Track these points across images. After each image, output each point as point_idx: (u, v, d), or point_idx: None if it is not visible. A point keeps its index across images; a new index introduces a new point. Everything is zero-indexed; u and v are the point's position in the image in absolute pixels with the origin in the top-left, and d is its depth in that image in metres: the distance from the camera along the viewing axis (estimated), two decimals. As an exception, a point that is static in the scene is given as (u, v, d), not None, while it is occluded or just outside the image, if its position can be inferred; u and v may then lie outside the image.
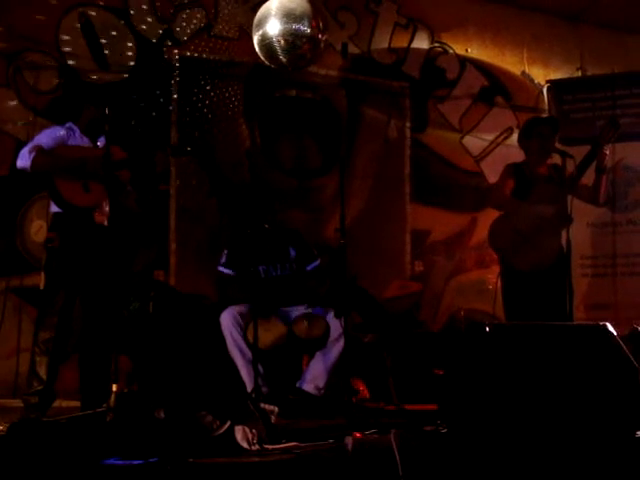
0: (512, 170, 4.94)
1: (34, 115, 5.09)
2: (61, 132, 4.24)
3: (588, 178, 4.78)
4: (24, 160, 4.06)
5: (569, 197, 4.55)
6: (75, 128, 4.29)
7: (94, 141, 4.30)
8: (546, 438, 2.88)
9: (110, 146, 3.89)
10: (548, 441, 2.87)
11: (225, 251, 4.73)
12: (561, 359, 3.10)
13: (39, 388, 4.07)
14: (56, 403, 4.20)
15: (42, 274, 4.41)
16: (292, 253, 4.81)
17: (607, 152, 4.71)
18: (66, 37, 5.26)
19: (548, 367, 3.06)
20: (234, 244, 4.74)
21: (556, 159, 4.84)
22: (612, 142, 4.72)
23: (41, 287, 4.45)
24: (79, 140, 4.26)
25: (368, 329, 4.96)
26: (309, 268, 4.81)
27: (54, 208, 4.17)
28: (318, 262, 4.84)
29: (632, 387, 3.05)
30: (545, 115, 6.51)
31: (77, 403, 4.25)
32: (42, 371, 4.08)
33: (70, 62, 5.25)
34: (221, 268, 4.71)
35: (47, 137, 4.20)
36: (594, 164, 4.71)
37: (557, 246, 4.76)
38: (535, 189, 4.84)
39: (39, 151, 4.06)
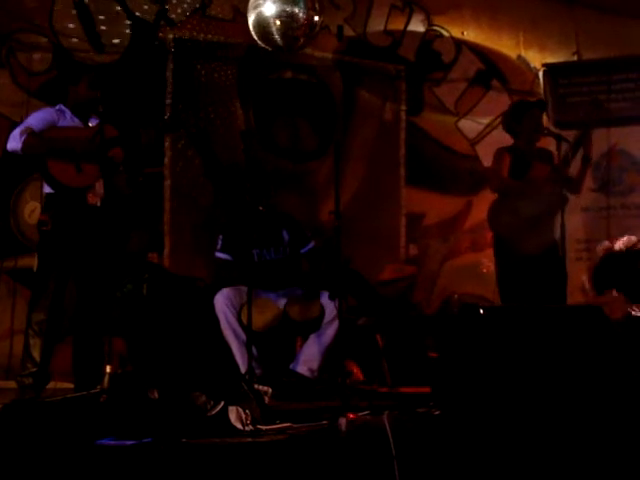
0: (506, 152, 4.95)
1: (27, 96, 5.07)
2: (52, 113, 4.22)
3: (573, 167, 4.84)
4: (15, 142, 4.04)
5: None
6: (65, 109, 4.26)
7: (85, 122, 4.27)
8: (538, 420, 2.90)
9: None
10: (540, 423, 2.89)
11: (220, 236, 4.72)
12: (555, 341, 3.11)
13: (33, 370, 4.07)
14: (50, 385, 4.20)
15: (36, 256, 4.40)
16: (286, 237, 4.80)
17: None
18: (60, 18, 5.22)
19: (541, 349, 3.08)
20: (229, 228, 4.72)
21: (548, 143, 4.87)
22: (598, 122, 4.79)
23: (34, 269, 4.45)
24: (70, 121, 4.24)
25: (362, 312, 4.97)
26: (303, 251, 4.81)
27: (47, 189, 4.16)
28: (312, 244, 4.84)
29: (623, 368, 3.08)
30: (535, 98, 6.50)
31: (71, 384, 4.25)
32: (36, 353, 4.08)
33: (64, 43, 5.22)
34: (218, 254, 4.69)
35: (37, 119, 4.17)
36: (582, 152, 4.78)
37: (555, 228, 4.79)
38: (531, 170, 4.86)
39: (30, 133, 4.04)
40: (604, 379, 3.05)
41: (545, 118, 5.92)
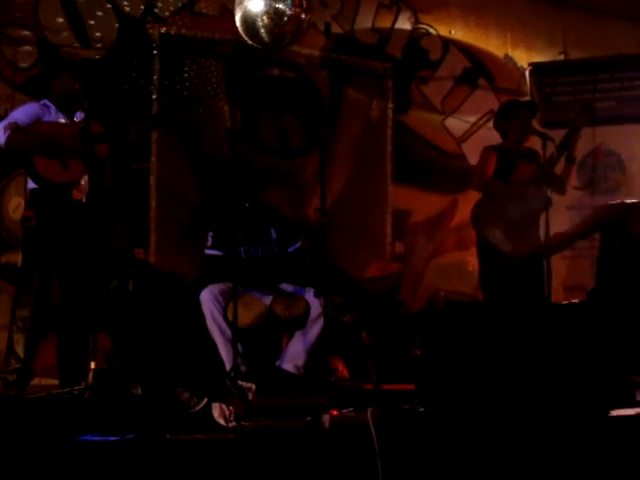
0: (492, 151, 4.95)
1: (12, 90, 5.04)
2: (37, 108, 4.20)
3: (557, 167, 4.85)
4: None
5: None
6: (50, 104, 4.25)
7: (70, 117, 4.26)
8: (522, 417, 2.91)
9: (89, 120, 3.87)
10: (524, 420, 2.90)
11: (210, 233, 4.70)
12: (538, 338, 3.12)
13: (17, 366, 4.06)
14: (35, 381, 4.20)
15: (20, 252, 4.38)
16: (273, 235, 4.80)
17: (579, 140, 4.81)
18: (46, 12, 5.19)
19: (525, 347, 3.09)
20: (218, 225, 4.71)
21: (533, 142, 4.88)
22: (587, 125, 4.81)
23: (19, 265, 4.43)
24: (55, 116, 4.22)
25: (347, 309, 4.97)
26: (291, 250, 4.81)
27: (31, 184, 4.14)
28: (299, 244, 4.84)
29: (606, 367, 3.10)
30: (527, 98, 6.52)
31: (56, 381, 4.24)
32: (20, 349, 4.07)
33: (50, 38, 5.19)
34: (208, 251, 4.68)
35: (22, 114, 4.15)
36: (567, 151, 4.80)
37: (540, 228, 4.80)
38: (517, 170, 4.87)
39: (14, 128, 4.02)
40: (589, 376, 3.07)
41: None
